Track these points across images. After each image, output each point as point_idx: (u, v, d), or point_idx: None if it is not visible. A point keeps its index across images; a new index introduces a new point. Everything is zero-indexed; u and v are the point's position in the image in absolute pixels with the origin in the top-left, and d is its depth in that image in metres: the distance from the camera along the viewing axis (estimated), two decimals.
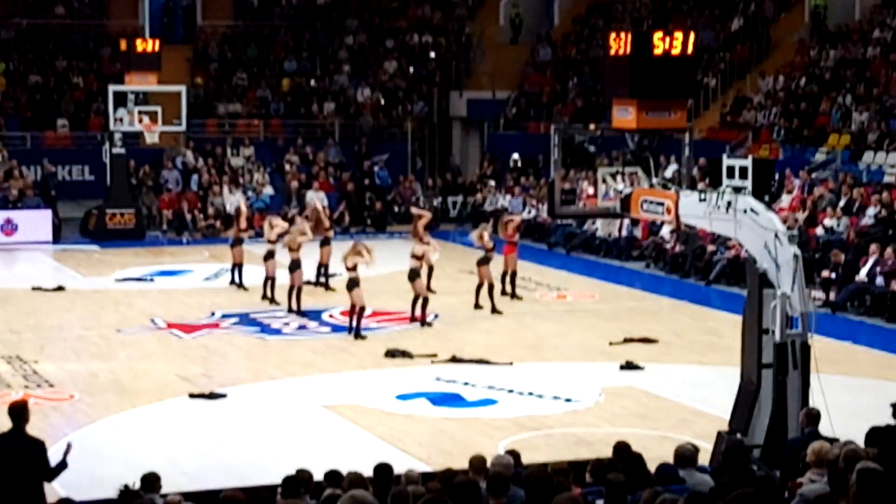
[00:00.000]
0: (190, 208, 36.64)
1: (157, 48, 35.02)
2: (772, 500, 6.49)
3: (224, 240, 34.69)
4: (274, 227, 26.01)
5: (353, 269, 22.52)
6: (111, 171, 35.27)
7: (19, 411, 11.19)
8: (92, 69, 42.68)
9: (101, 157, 35.91)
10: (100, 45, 43.62)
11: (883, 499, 7.17)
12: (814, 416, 12.41)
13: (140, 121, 34.37)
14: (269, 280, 25.57)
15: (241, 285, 27.10)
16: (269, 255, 25.52)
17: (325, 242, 27.04)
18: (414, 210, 27.65)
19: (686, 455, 10.82)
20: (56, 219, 35.24)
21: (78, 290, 27.29)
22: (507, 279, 26.07)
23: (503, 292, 25.87)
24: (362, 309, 22.59)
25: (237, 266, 27.26)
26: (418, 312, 23.53)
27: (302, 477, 10.83)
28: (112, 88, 34.93)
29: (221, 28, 46.10)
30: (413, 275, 23.54)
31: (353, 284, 22.53)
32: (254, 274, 26.57)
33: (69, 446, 11.40)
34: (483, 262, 24.91)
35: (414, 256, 23.84)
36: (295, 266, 24.48)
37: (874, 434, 11.38)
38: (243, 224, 27.35)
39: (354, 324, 22.53)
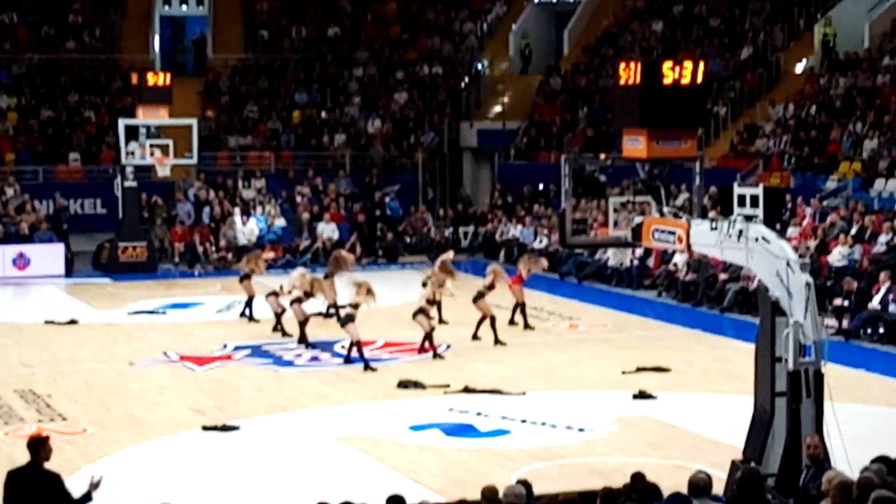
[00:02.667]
0: (202, 241, 36.71)
1: (168, 82, 35.13)
2: None
3: (235, 272, 34.86)
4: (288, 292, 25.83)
5: (356, 305, 22.58)
6: (123, 204, 35.37)
7: (36, 446, 11.20)
8: (103, 103, 42.89)
9: (113, 190, 36.02)
10: (111, 79, 43.85)
11: None
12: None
13: (152, 154, 34.48)
14: (278, 314, 25.62)
15: (251, 317, 27.14)
16: (272, 293, 25.68)
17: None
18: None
19: (700, 485, 10.79)
20: (68, 252, 35.33)
21: (90, 324, 27.33)
22: (518, 310, 26.14)
23: (511, 322, 25.94)
24: (359, 342, 22.63)
25: (250, 298, 27.33)
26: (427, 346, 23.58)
27: None
28: (123, 122, 35.08)
29: (232, 61, 46.32)
30: (418, 313, 23.59)
31: (348, 319, 22.59)
32: (263, 306, 26.58)
33: (99, 481, 11.36)
34: (478, 297, 24.96)
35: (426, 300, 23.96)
36: (296, 301, 24.60)
37: (880, 462, 11.35)
38: (259, 265, 27.41)
39: (357, 356, 22.60)
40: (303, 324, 24.61)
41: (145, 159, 34.64)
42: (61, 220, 36.76)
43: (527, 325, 26.08)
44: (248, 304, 27.37)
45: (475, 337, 24.94)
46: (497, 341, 24.56)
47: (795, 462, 13.51)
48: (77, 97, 42.82)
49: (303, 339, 24.53)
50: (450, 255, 26.74)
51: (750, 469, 13.15)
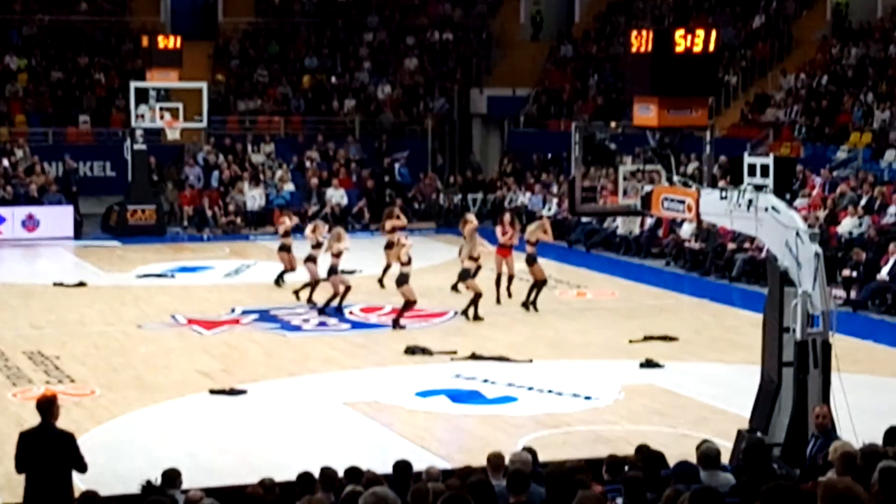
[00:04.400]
0: (211, 205, 36.72)
1: (178, 45, 35.09)
2: (801, 495, 6.47)
3: (244, 236, 34.93)
4: (317, 230, 25.57)
5: (408, 263, 22.90)
6: (132, 167, 35.38)
7: (47, 406, 11.24)
8: (114, 65, 42.83)
9: (123, 153, 36.03)
10: (121, 42, 43.77)
11: None
12: None
13: (161, 117, 34.45)
14: (314, 283, 25.03)
15: (278, 282, 26.81)
16: (310, 259, 25.08)
17: (388, 245, 26.32)
18: (468, 216, 26.49)
19: (711, 455, 10.77)
20: (77, 215, 35.36)
21: (99, 286, 27.38)
22: (505, 282, 25.36)
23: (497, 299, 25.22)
24: (413, 303, 22.87)
25: (289, 269, 26.76)
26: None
27: (325, 474, 10.85)
28: (134, 85, 35.04)
29: (242, 25, 46.20)
30: (465, 274, 23.74)
31: (403, 280, 22.81)
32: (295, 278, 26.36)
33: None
34: (531, 260, 24.80)
35: (470, 258, 24.01)
36: (332, 271, 24.27)
37: (893, 434, 11.38)
38: (281, 230, 26.90)
39: (396, 315, 23.01)
40: (335, 296, 24.31)
41: (155, 122, 34.61)
42: (70, 183, 36.76)
43: (509, 295, 25.28)
44: (283, 273, 26.90)
45: (532, 305, 24.73)
46: (526, 304, 24.56)
47: (802, 432, 13.53)
48: (87, 59, 42.75)
49: (311, 301, 24.47)
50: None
51: (756, 439, 13.18)
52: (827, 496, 5.97)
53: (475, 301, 23.65)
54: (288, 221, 27.08)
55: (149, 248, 32.99)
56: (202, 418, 17.42)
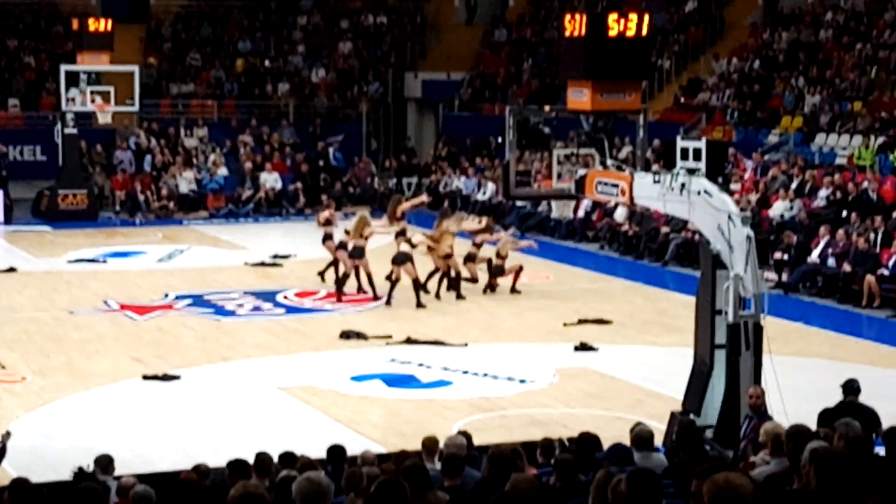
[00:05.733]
0: (143, 189, 36.41)
1: (109, 28, 34.74)
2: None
3: (177, 221, 34.70)
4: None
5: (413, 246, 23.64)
6: (63, 151, 35.01)
7: None
8: (44, 48, 42.34)
9: (53, 137, 35.63)
10: (52, 24, 43.27)
11: (839, 478, 7.22)
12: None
13: (93, 101, 34.12)
14: (369, 276, 24.19)
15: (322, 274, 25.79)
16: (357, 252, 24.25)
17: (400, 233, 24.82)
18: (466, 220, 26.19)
19: (644, 437, 10.83)
20: (7, 199, 34.94)
21: (30, 272, 27.09)
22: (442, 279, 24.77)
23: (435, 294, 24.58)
24: (416, 280, 23.43)
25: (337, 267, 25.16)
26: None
27: (260, 459, 10.80)
28: (64, 68, 34.66)
29: (175, 8, 45.85)
30: (469, 257, 24.56)
31: (404, 258, 23.27)
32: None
33: (8, 434, 11.23)
34: (500, 272, 24.88)
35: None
36: (360, 253, 23.87)
37: (826, 415, 11.51)
38: (322, 219, 25.58)
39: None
40: (371, 278, 23.96)
41: (86, 106, 34.28)
42: (0, 167, 36.33)
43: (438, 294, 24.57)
44: (330, 266, 25.55)
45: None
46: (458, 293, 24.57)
47: (734, 414, 13.64)
48: (16, 42, 42.24)
49: (375, 294, 23.97)
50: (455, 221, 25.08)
51: (689, 421, 13.30)
52: (711, 492, 6.01)
53: (441, 279, 24.16)
54: (333, 217, 25.55)
55: (80, 232, 32.68)
56: (135, 404, 17.28)
